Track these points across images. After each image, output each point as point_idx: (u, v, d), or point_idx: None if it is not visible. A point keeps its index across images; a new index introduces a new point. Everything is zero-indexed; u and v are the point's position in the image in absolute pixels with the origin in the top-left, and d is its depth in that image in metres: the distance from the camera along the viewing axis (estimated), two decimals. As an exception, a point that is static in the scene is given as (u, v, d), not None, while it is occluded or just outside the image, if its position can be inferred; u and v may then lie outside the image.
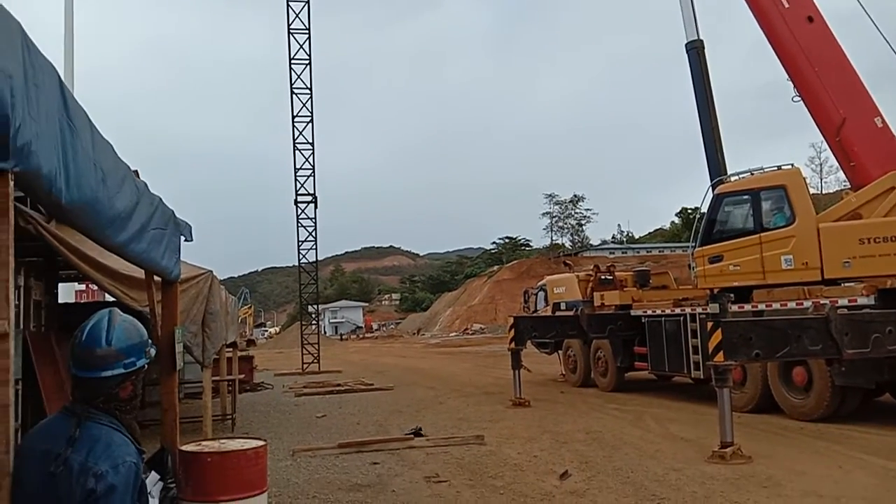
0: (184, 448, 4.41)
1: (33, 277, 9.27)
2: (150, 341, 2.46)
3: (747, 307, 11.73)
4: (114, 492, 2.10)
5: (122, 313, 2.41)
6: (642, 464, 8.36)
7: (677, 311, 13.64)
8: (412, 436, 10.40)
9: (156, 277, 4.62)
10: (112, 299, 7.51)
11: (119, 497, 2.12)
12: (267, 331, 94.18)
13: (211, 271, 8.92)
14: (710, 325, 9.02)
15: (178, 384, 4.82)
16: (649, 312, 14.50)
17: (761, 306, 11.66)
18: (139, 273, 6.69)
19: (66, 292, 16.36)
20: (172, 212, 4.35)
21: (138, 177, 3.94)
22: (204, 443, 4.77)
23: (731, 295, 10.72)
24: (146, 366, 2.43)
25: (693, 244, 13.22)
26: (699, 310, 12.73)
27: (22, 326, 8.83)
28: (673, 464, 8.28)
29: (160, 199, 3.99)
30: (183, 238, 4.78)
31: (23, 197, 2.87)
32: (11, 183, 1.88)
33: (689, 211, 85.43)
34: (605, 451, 9.14)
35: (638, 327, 14.70)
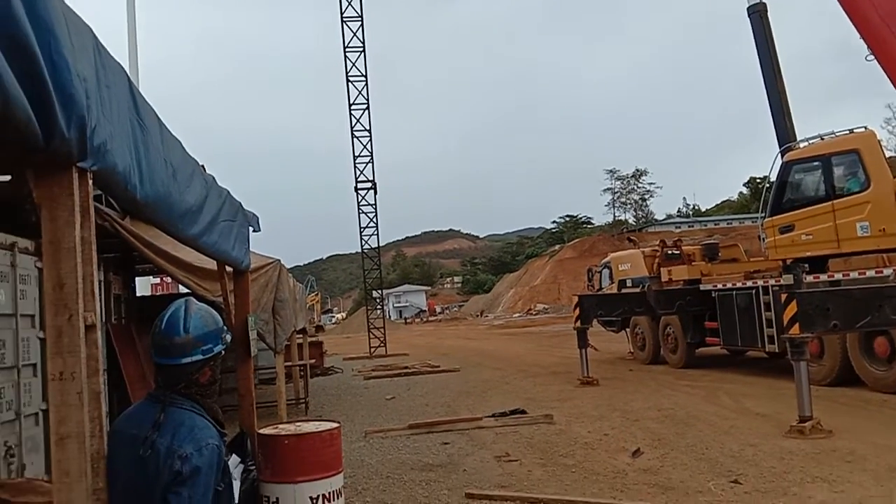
0: (262, 431, 4.56)
1: (112, 272, 9.71)
2: (225, 328, 2.56)
3: (823, 277, 11.28)
4: (198, 473, 2.21)
5: (197, 302, 2.51)
6: (717, 440, 8.19)
7: (749, 283, 13.23)
8: (517, 413, 10.39)
9: (227, 268, 4.76)
10: (186, 290, 7.80)
11: (203, 478, 2.22)
12: (334, 317, 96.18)
13: (279, 260, 9.14)
14: (784, 296, 8.74)
15: (253, 370, 4.99)
16: (720, 286, 14.12)
17: (838, 276, 11.20)
18: (210, 264, 6.92)
19: (142, 285, 17.09)
20: (240, 203, 4.47)
21: (205, 171, 4.06)
22: (280, 426, 4.92)
23: (806, 265, 10.33)
24: (223, 352, 2.53)
25: (762, 214, 12.80)
26: (772, 282, 12.31)
27: (104, 319, 9.29)
28: (749, 439, 8.08)
29: (228, 191, 4.10)
30: (251, 228, 4.90)
31: (98, 195, 3.00)
32: (90, 182, 1.96)
33: (758, 180, 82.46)
34: (678, 428, 8.99)
35: (708, 302, 14.34)
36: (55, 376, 1.85)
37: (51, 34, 1.62)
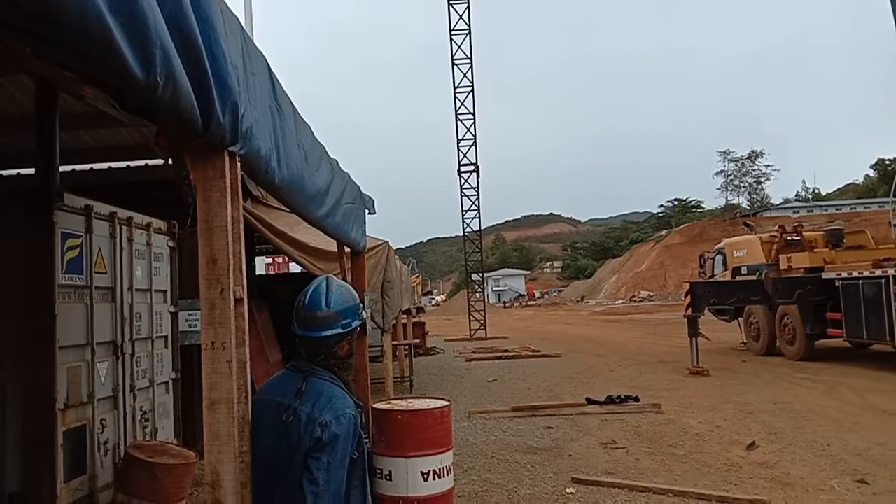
0: (375, 406, 4.72)
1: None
2: (361, 305, 2.69)
3: (966, 267, 10.37)
4: (337, 440, 2.35)
5: (336, 279, 2.66)
6: (840, 436, 7.74)
7: (878, 272, 12.33)
8: (628, 400, 10.14)
9: (346, 248, 4.93)
10: (298, 270, 8.12)
11: (341, 445, 2.36)
12: (434, 299, 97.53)
13: (388, 242, 9.37)
14: (921, 287, 8.10)
15: (366, 347, 5.16)
16: (844, 275, 13.24)
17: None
18: (324, 245, 7.21)
19: (258, 265, 17.99)
20: (359, 187, 4.62)
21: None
22: (393, 401, 5.07)
23: (947, 254, 9.51)
24: (360, 327, 2.66)
25: (893, 199, 11.88)
26: (905, 271, 11.43)
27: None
28: (876, 438, 7.58)
29: (349, 174, 4.25)
30: (367, 211, 5.06)
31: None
32: (238, 165, 2.09)
33: (888, 162, 76.50)
34: (796, 423, 8.56)
35: (831, 291, 13.49)
36: (207, 346, 2.00)
37: (210, 26, 1.73)
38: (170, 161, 2.31)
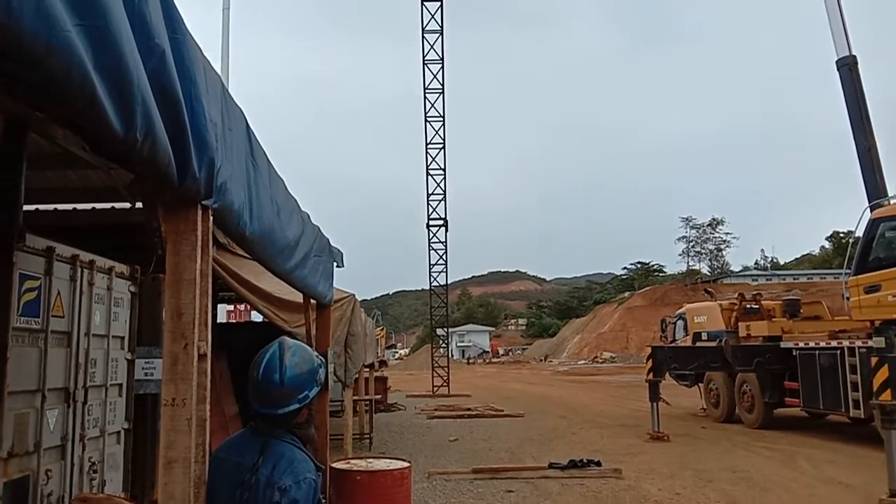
0: (334, 465, 4.62)
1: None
2: (319, 364, 2.60)
3: (917, 341, 10.65)
4: None
5: (290, 343, 2.55)
6: (798, 509, 7.76)
7: (833, 343, 12.60)
8: (590, 464, 10.11)
9: (311, 300, 4.90)
10: (260, 317, 8.01)
11: None
12: (398, 352, 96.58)
13: (353, 295, 9.32)
14: (874, 360, 8.31)
15: (327, 403, 5.07)
16: (801, 345, 13.51)
17: (934, 341, 10.55)
18: (289, 296, 7.14)
19: (219, 312, 17.67)
20: (328, 240, 4.63)
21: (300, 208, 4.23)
22: (352, 461, 4.97)
23: (899, 328, 9.78)
24: (319, 391, 2.58)
25: (847, 272, 12.24)
26: (859, 343, 11.70)
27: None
28: (833, 511, 7.62)
29: (319, 228, 4.26)
30: (335, 264, 5.05)
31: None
32: (211, 218, 2.09)
33: (842, 235, 79.14)
34: (755, 492, 8.57)
35: (788, 360, 13.72)
36: (167, 402, 1.95)
37: (192, 83, 1.75)
38: (138, 205, 2.28)
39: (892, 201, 12.10)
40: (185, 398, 1.94)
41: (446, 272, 30.14)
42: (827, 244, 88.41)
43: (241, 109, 2.44)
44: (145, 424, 6.35)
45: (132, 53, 1.37)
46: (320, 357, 2.59)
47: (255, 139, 2.63)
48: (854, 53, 13.83)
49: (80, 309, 5.28)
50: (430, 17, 27.76)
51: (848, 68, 13.78)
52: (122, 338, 6.22)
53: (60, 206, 7.19)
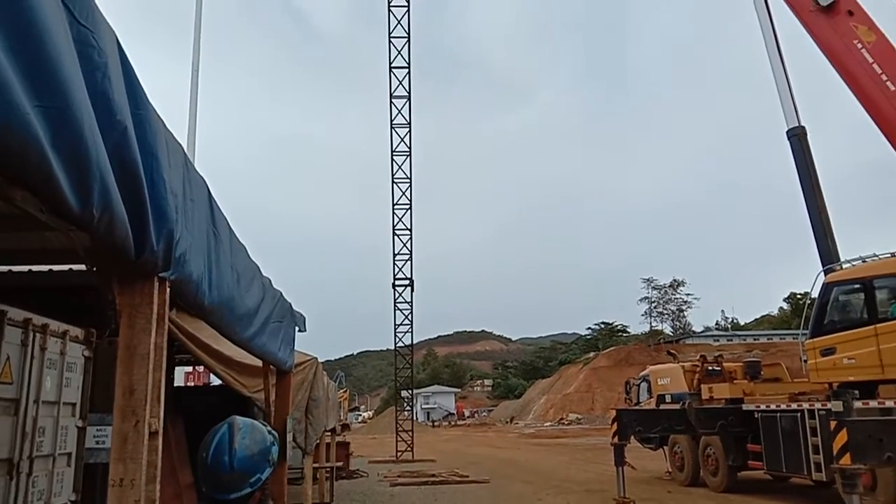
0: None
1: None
2: (272, 442, 2.48)
3: (873, 404, 10.81)
4: None
5: (241, 423, 2.44)
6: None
7: (794, 406, 12.74)
8: None
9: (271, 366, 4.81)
10: (219, 382, 7.82)
11: None
12: (361, 415, 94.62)
13: (316, 358, 9.17)
14: (833, 424, 8.41)
15: (285, 472, 4.92)
16: (763, 407, 13.62)
17: (889, 403, 10.73)
18: (250, 360, 6.99)
19: (177, 374, 17.15)
20: (290, 305, 4.58)
21: (261, 273, 4.19)
22: (310, 535, 4.80)
23: (856, 392, 9.95)
24: (277, 455, 2.50)
25: (804, 332, 12.51)
26: (818, 405, 11.84)
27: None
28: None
29: (281, 293, 4.22)
30: (297, 329, 4.99)
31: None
32: (168, 290, 2.06)
33: (798, 296, 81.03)
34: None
35: (751, 423, 13.79)
36: (115, 482, 1.88)
37: (154, 157, 1.76)
38: (94, 269, 2.23)
39: (844, 266, 12.47)
40: (133, 479, 1.86)
41: (412, 332, 29.94)
42: (785, 305, 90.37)
43: (203, 179, 2.44)
44: (94, 496, 6.07)
45: (92, 132, 1.37)
46: (273, 433, 2.50)
47: (217, 208, 2.62)
48: (803, 124, 14.46)
49: (30, 375, 5.09)
50: (399, 83, 28.40)
51: (798, 138, 14.36)
52: (74, 404, 5.99)
53: (15, 268, 7.01)
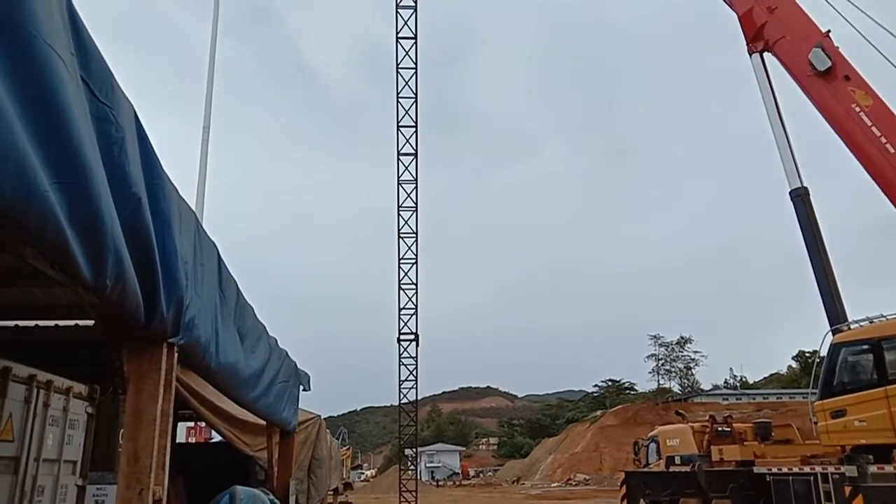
0: None
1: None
2: None
3: (888, 468, 10.56)
4: None
5: (242, 494, 2.42)
6: None
7: (806, 469, 12.44)
8: None
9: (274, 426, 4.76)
10: (219, 438, 7.72)
11: None
12: (363, 473, 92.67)
13: (319, 416, 9.07)
14: (848, 489, 8.21)
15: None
16: (774, 470, 13.31)
17: (905, 467, 10.49)
18: (252, 418, 6.92)
19: (179, 430, 16.94)
20: (295, 364, 4.57)
21: (267, 332, 4.19)
22: None
23: (870, 456, 9.73)
24: None
25: (813, 391, 12.32)
26: (831, 469, 11.57)
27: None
28: None
29: (286, 352, 4.21)
30: (301, 388, 4.96)
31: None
32: (176, 355, 2.07)
33: (807, 354, 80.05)
34: None
35: (762, 486, 13.45)
36: (117, 550, 1.85)
37: (166, 225, 1.79)
38: (103, 328, 2.24)
39: (852, 326, 12.36)
40: (135, 546, 1.84)
41: (416, 387, 29.61)
42: (794, 363, 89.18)
43: (213, 242, 2.48)
44: (91, 557, 5.92)
45: (108, 205, 1.40)
46: (275, 502, 2.48)
47: (226, 270, 2.65)
48: (805, 185, 14.55)
49: (31, 432, 5.04)
50: (406, 140, 28.89)
51: (801, 199, 14.43)
52: (75, 462, 5.91)
53: (21, 323, 7.03)
